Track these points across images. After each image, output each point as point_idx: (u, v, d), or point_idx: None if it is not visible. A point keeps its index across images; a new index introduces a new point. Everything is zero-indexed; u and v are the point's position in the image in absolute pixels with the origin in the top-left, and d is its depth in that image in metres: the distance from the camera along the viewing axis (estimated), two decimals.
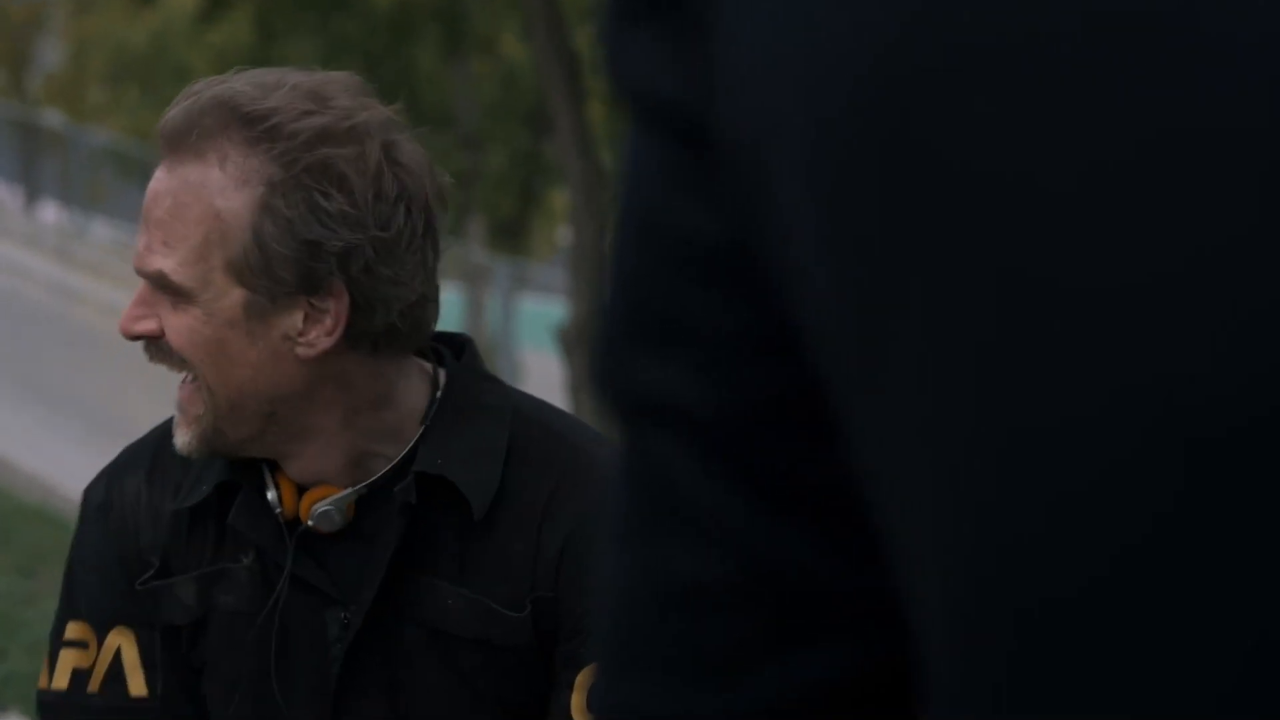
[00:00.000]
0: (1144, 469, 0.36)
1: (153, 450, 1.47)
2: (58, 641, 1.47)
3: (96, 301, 15.26)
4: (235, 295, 1.36)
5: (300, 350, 1.37)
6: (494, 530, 1.40)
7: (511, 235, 16.64)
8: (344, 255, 1.35)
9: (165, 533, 1.44)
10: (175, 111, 1.37)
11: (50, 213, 20.54)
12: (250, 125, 1.34)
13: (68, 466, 9.23)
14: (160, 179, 1.38)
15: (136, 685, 1.45)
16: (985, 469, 0.38)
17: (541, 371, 13.34)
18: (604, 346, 0.48)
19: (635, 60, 0.46)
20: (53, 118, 21.08)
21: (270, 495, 1.42)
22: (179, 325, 1.38)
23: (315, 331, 1.37)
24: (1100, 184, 0.36)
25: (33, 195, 21.46)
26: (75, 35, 21.36)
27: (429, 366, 1.45)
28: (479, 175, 15.98)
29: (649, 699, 0.48)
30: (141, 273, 1.39)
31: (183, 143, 1.36)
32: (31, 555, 6.34)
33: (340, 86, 1.37)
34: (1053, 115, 0.36)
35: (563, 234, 16.20)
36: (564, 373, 7.45)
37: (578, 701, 1.39)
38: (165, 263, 1.37)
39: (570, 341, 7.28)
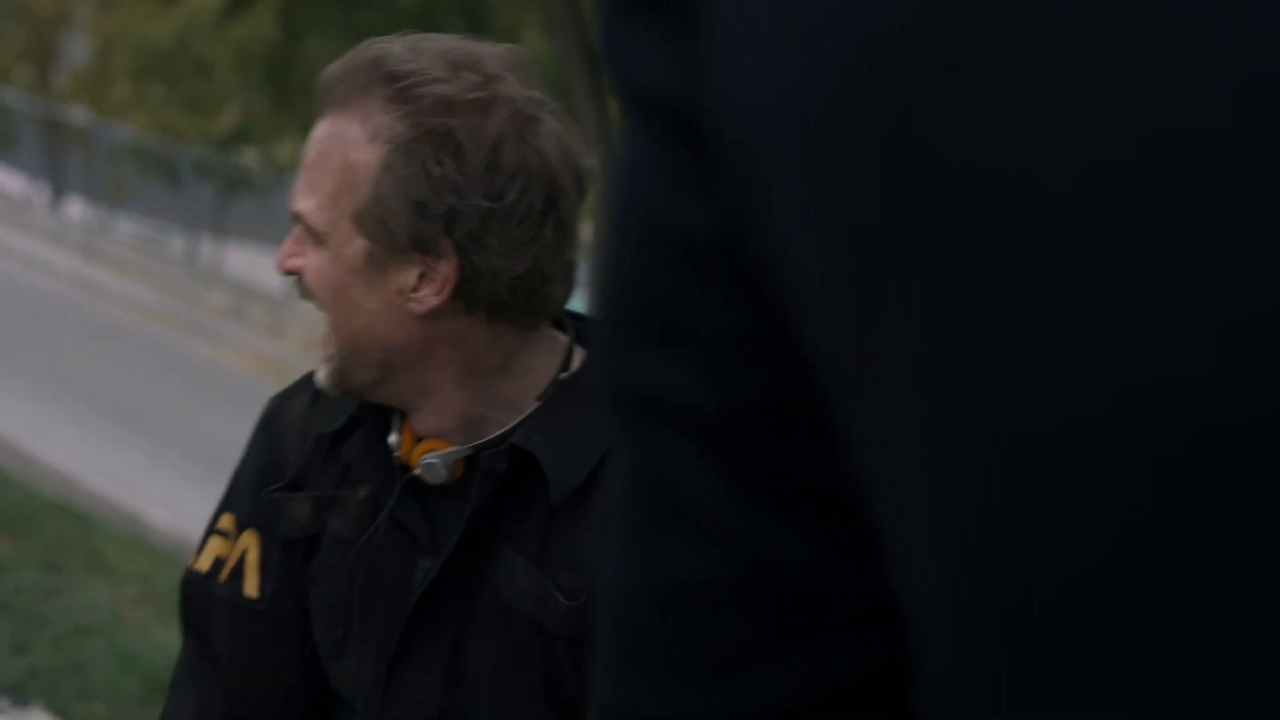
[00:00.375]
0: (1143, 467, 0.36)
1: None
2: (210, 528, 1.56)
3: (121, 297, 15.32)
4: (358, 244, 1.42)
5: (412, 305, 1.42)
6: (577, 519, 1.42)
7: None
8: (449, 219, 1.39)
9: (307, 453, 1.52)
10: (335, 66, 1.44)
11: (75, 209, 20.62)
12: (390, 83, 1.40)
13: (90, 461, 9.26)
14: (319, 128, 1.45)
15: (251, 586, 1.53)
16: (984, 467, 0.38)
17: None
18: (602, 345, 0.48)
19: (632, 56, 0.46)
20: (78, 114, 21.16)
21: (393, 439, 1.48)
22: (312, 265, 1.44)
23: (426, 290, 1.41)
24: (1100, 183, 0.36)
25: (58, 191, 21.54)
26: (100, 31, 21.42)
27: (565, 344, 1.47)
28: None
29: (649, 699, 0.48)
30: (290, 213, 1.47)
31: (333, 95, 1.42)
32: (54, 549, 6.37)
33: (488, 57, 1.40)
34: (1053, 114, 0.36)
35: (586, 230, 16.21)
36: None
37: None
38: (305, 205, 1.44)
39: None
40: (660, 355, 0.46)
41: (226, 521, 1.55)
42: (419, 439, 1.47)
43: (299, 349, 14.90)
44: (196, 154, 19.29)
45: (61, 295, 15.31)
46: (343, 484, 1.50)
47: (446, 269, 1.41)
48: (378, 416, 1.49)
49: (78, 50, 23.39)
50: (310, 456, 1.52)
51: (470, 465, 1.46)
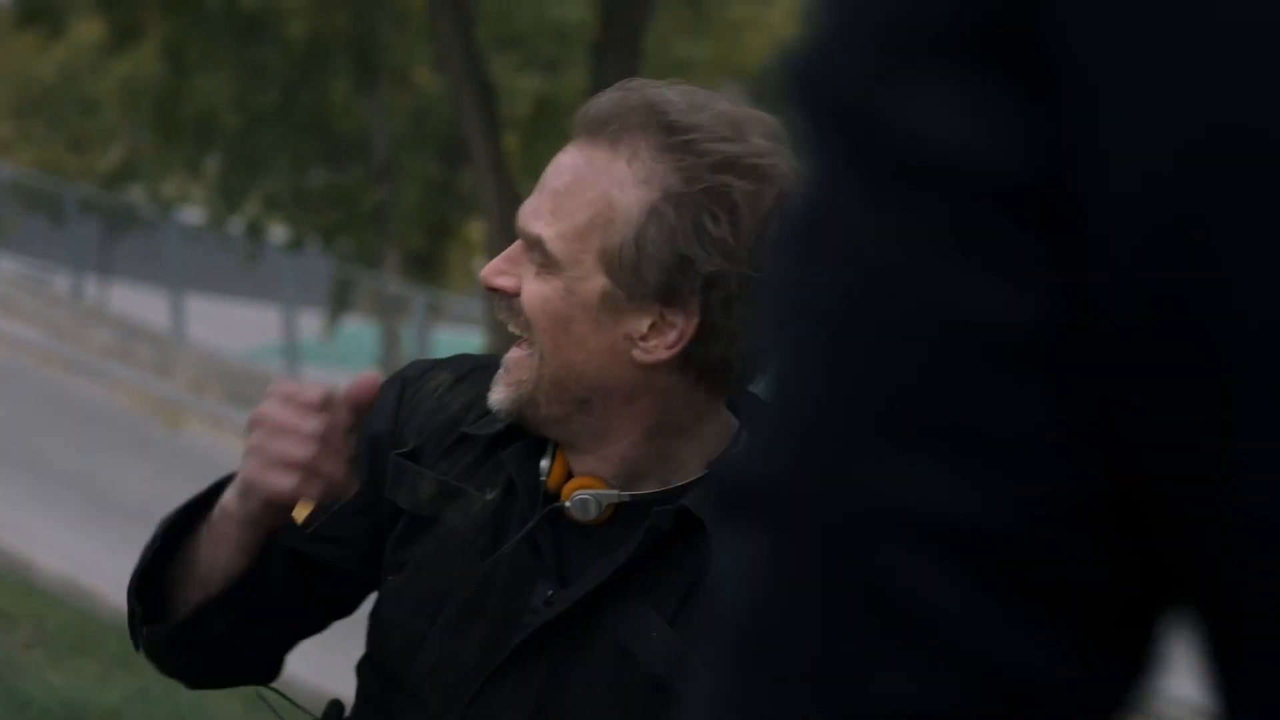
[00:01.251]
0: None
1: (474, 364, 1.53)
2: None
3: (5, 337, 15.04)
4: (597, 281, 1.41)
5: (636, 353, 1.41)
6: None
7: (426, 266, 16.60)
8: (710, 280, 1.39)
9: (437, 428, 1.49)
10: (603, 99, 1.43)
11: None
12: (669, 133, 1.40)
13: None
14: (570, 153, 1.44)
15: (300, 512, 1.48)
16: None
17: None
18: (803, 454, 0.43)
19: (934, 112, 0.41)
20: None
21: (544, 464, 1.46)
22: (537, 291, 1.42)
23: (656, 340, 1.41)
24: None
25: None
26: None
27: (735, 423, 1.48)
28: (393, 206, 15.93)
29: None
30: (522, 232, 1.43)
31: (603, 129, 1.42)
32: None
33: (760, 124, 1.42)
34: None
35: (479, 264, 16.17)
36: None
37: None
38: (547, 230, 1.41)
39: None
40: (913, 459, 0.42)
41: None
42: (570, 473, 1.46)
43: (187, 388, 14.71)
44: (81, 191, 19.02)
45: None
46: (470, 477, 1.48)
47: (685, 325, 1.40)
48: (538, 434, 1.48)
49: None
50: (438, 433, 1.49)
51: (620, 512, 1.45)
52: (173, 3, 14.56)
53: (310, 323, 16.63)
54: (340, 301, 16.78)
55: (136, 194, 19.27)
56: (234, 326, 17.45)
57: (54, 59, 18.65)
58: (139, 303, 17.19)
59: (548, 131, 14.45)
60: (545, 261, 1.41)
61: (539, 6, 14.99)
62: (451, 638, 1.46)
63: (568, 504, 1.44)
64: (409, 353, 15.80)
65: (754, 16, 15.52)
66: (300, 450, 1.40)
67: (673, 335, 1.41)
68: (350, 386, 1.45)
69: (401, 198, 15.96)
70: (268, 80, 15.74)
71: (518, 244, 1.44)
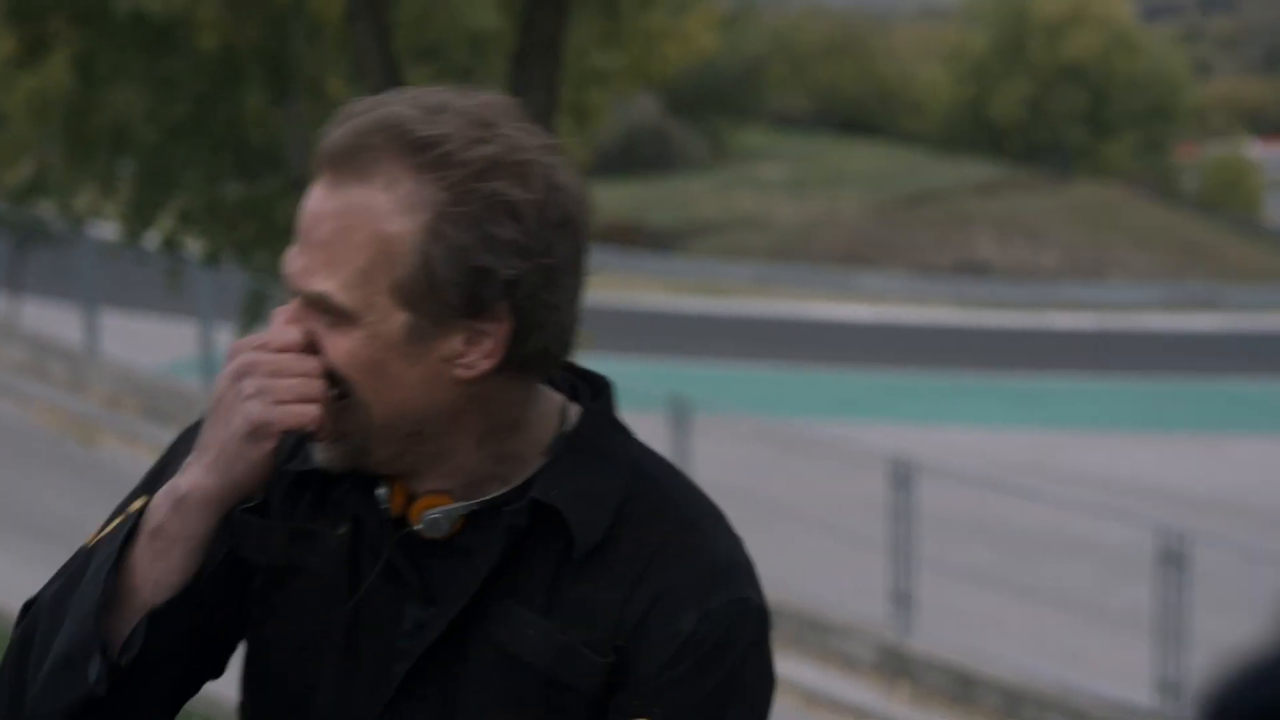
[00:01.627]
0: None
1: None
2: (118, 510, 1.48)
3: None
4: (398, 318, 1.36)
5: (458, 372, 1.38)
6: (588, 574, 1.40)
7: None
8: (513, 283, 1.36)
9: (274, 476, 1.44)
10: (337, 133, 1.37)
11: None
12: (420, 151, 1.35)
13: None
14: (321, 199, 1.37)
15: None
16: None
17: None
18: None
19: None
20: None
21: (382, 493, 1.43)
22: (339, 346, 1.38)
23: (474, 354, 1.38)
24: None
25: None
26: None
27: (559, 399, 1.46)
28: None
29: None
30: (299, 293, 1.39)
31: (347, 164, 1.36)
32: None
33: (501, 111, 1.38)
34: None
35: None
36: None
37: None
38: (328, 284, 1.37)
39: None
40: None
41: (140, 504, 1.46)
42: (412, 495, 1.43)
43: (101, 404, 14.53)
44: None
45: None
46: (317, 516, 1.45)
47: (498, 331, 1.38)
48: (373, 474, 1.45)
49: None
50: (278, 483, 1.46)
51: (471, 520, 1.43)
52: (82, 14, 14.38)
53: (227, 337, 16.47)
54: (254, 314, 16.63)
55: (47, 209, 19.02)
56: (149, 342, 17.27)
57: None
58: (51, 319, 16.97)
59: None
60: (337, 315, 1.37)
61: (455, 15, 14.94)
62: (337, 680, 1.43)
63: (419, 526, 1.42)
64: None
65: (670, 26, 15.54)
66: (311, 386, 1.38)
67: (489, 344, 1.38)
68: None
69: None
70: (180, 93, 15.59)
71: (295, 304, 1.39)
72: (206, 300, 15.96)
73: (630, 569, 1.40)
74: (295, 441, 1.45)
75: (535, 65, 6.71)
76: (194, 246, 17.42)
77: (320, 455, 1.41)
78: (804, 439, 16.36)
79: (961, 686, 10.68)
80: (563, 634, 1.40)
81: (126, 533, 1.43)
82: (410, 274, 1.35)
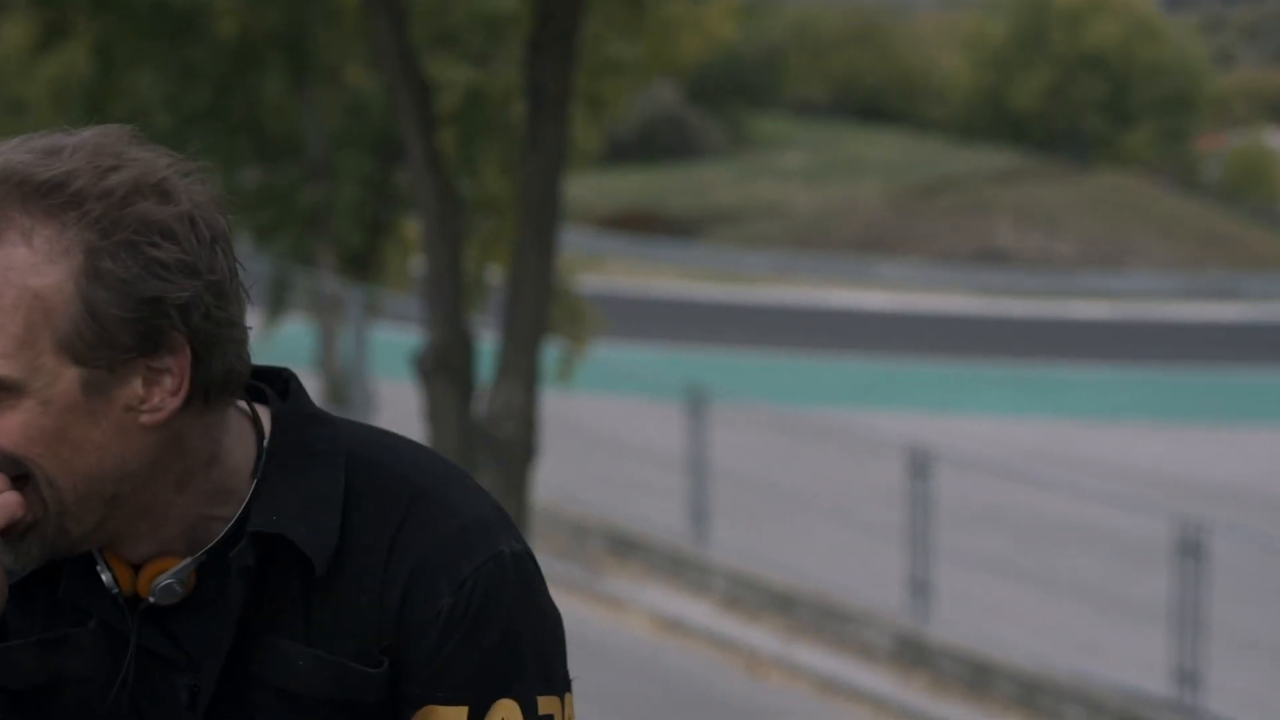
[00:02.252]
0: None
1: None
2: None
3: None
4: (70, 375, 1.28)
5: (145, 418, 1.30)
6: (337, 585, 1.35)
7: (363, 265, 16.51)
8: (186, 306, 1.29)
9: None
10: None
11: None
12: (49, 194, 1.27)
13: None
14: None
15: None
16: None
17: (396, 400, 13.25)
18: None
19: None
20: None
21: (106, 577, 1.36)
22: (9, 425, 1.28)
23: (158, 394, 1.30)
24: None
25: None
26: None
27: (250, 411, 1.39)
28: (329, 205, 15.82)
29: None
30: None
31: None
32: None
33: (120, 137, 1.31)
34: None
35: (416, 262, 16.09)
36: (421, 401, 7.40)
37: None
38: None
39: (427, 368, 7.24)
40: None
41: None
42: (136, 565, 1.35)
43: None
44: None
45: None
46: (58, 620, 1.38)
47: (177, 363, 1.30)
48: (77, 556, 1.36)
49: None
50: (11, 604, 1.37)
51: (203, 570, 1.35)
52: (102, 1, 14.42)
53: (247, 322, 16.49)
54: (278, 301, 16.67)
55: None
56: None
57: None
58: None
59: (479, 127, 14.39)
60: (2, 391, 1.27)
61: (473, 0, 14.91)
62: None
63: (152, 599, 1.35)
64: (346, 351, 15.73)
65: (688, 16, 15.50)
66: None
67: (171, 381, 1.30)
68: None
69: (337, 196, 15.87)
70: (199, 79, 15.61)
71: None
72: None
73: (374, 565, 1.35)
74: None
75: (550, 55, 6.72)
76: None
77: (12, 558, 1.31)
78: (821, 427, 16.36)
79: (978, 675, 10.69)
80: (329, 655, 1.35)
81: None
82: (73, 325, 1.26)
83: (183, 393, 1.30)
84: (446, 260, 7.14)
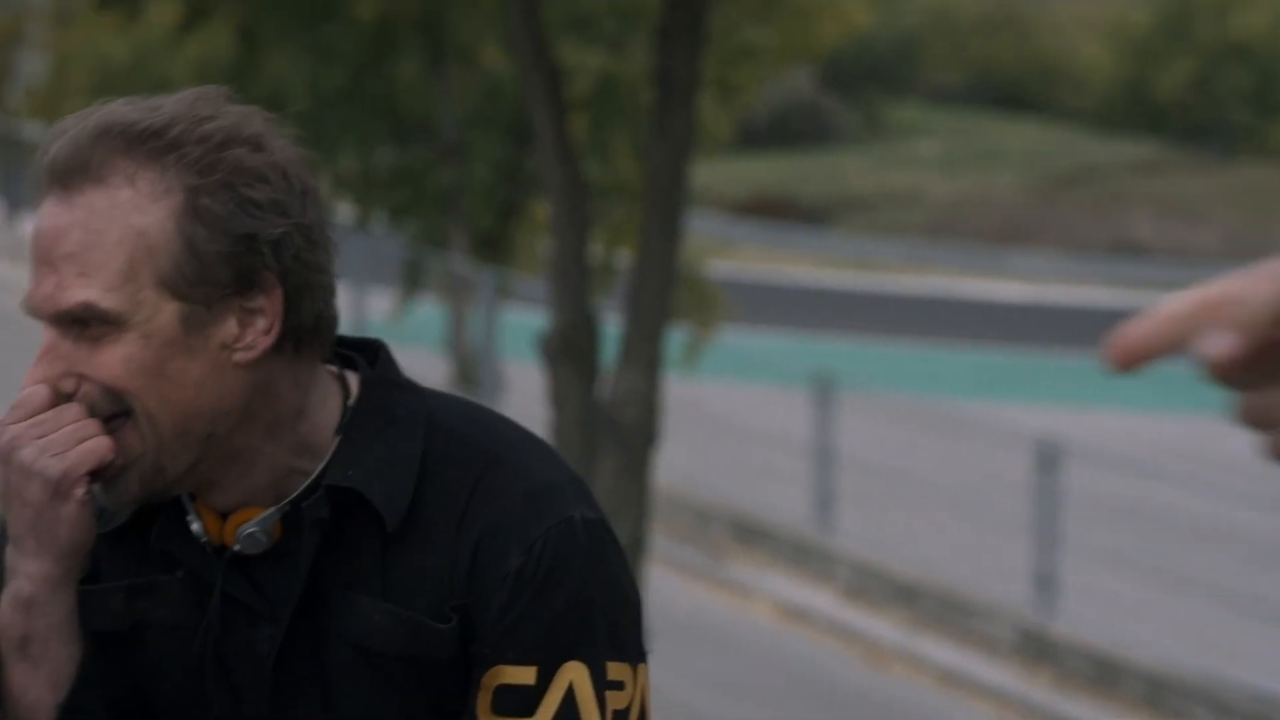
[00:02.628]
0: None
1: None
2: None
3: None
4: (170, 310, 1.34)
5: (239, 356, 1.36)
6: (412, 544, 1.39)
7: (494, 247, 16.64)
8: (278, 244, 1.35)
9: (99, 544, 1.42)
10: (59, 146, 1.35)
11: (31, 225, 20.44)
12: (150, 140, 1.34)
13: None
14: (56, 215, 1.35)
15: None
16: None
17: (524, 383, 13.35)
18: None
19: None
20: (33, 131, 21.01)
21: (195, 526, 1.41)
22: (111, 359, 1.34)
23: (251, 333, 1.36)
24: None
25: (13, 208, 21.38)
26: (56, 49, 21.28)
27: (338, 375, 1.44)
28: (461, 187, 15.96)
29: None
30: (55, 314, 1.34)
31: (78, 173, 1.34)
32: None
33: (217, 96, 1.39)
34: None
35: (547, 246, 16.18)
36: (545, 384, 7.44)
37: (483, 701, 1.39)
38: (89, 292, 1.33)
39: (552, 352, 7.28)
40: None
41: None
42: (224, 515, 1.40)
43: None
44: None
45: (17, 312, 15.17)
46: (149, 568, 1.43)
47: (270, 304, 1.36)
48: (171, 503, 1.41)
49: (33, 68, 23.23)
50: (98, 551, 1.42)
51: (288, 522, 1.40)
52: None
53: (379, 302, 16.72)
54: (411, 281, 16.84)
55: None
56: None
57: (128, 40, 18.79)
58: None
59: (611, 113, 14.42)
60: (104, 324, 1.33)
61: None
62: (224, 717, 1.42)
63: (238, 547, 1.40)
64: (476, 333, 15.86)
65: (824, 2, 15.39)
66: (84, 427, 1.34)
67: (264, 321, 1.36)
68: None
69: (470, 178, 16.00)
70: (337, 61, 15.79)
71: (46, 340, 1.35)
72: (359, 265, 16.20)
73: (448, 525, 1.39)
74: (100, 507, 1.41)
75: (679, 41, 6.71)
76: (346, 212, 17.70)
77: (111, 498, 1.36)
78: (949, 418, 16.21)
79: (1103, 672, 10.54)
80: (405, 611, 1.38)
81: None
82: (174, 261, 1.33)
83: (274, 332, 1.36)
84: (573, 244, 7.17)
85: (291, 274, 1.36)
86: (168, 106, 1.36)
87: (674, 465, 11.79)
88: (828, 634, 11.05)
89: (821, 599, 11.52)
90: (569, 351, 7.11)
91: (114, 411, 1.35)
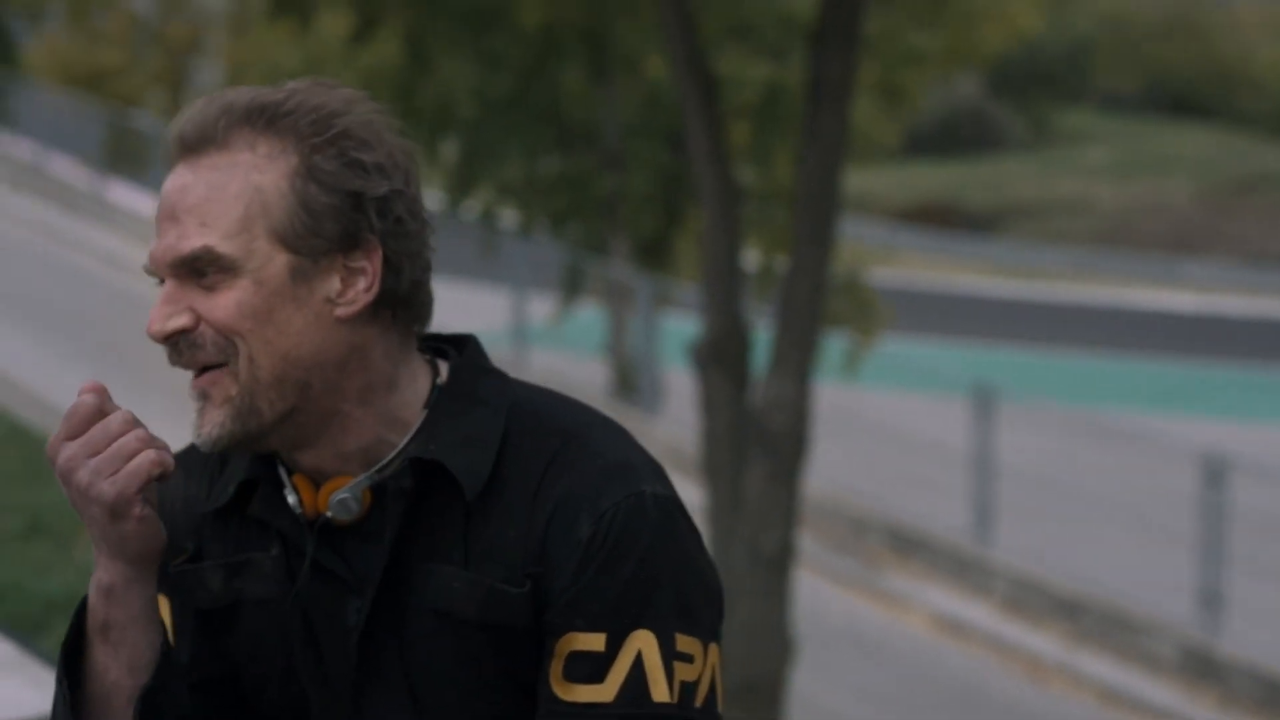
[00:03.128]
0: None
1: (189, 453, 1.55)
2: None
3: None
4: (280, 260, 1.42)
5: (340, 310, 1.43)
6: (491, 516, 1.45)
7: (655, 253, 16.69)
8: (382, 204, 1.43)
9: (197, 524, 1.52)
10: (188, 121, 1.46)
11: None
12: (268, 111, 1.44)
13: None
14: (182, 176, 1.45)
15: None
16: None
17: (683, 390, 13.37)
18: None
19: None
20: None
21: (291, 499, 1.48)
22: (225, 301, 1.42)
23: (352, 290, 1.44)
24: None
25: None
26: (232, 58, 21.80)
27: (431, 360, 1.51)
28: (622, 193, 16.04)
29: None
30: (177, 259, 1.43)
31: (203, 142, 1.45)
32: None
33: (331, 84, 1.49)
34: None
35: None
36: (696, 391, 7.45)
37: (555, 668, 1.43)
38: (209, 238, 1.42)
39: (703, 358, 7.29)
40: None
41: (73, 620, 1.50)
42: (318, 486, 1.47)
43: None
44: None
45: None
46: (247, 546, 1.50)
47: (371, 263, 1.44)
48: (267, 476, 1.49)
49: (209, 76, 23.82)
50: (202, 526, 1.52)
51: (377, 493, 1.46)
52: None
53: (539, 307, 16.85)
54: (571, 287, 16.96)
55: None
56: (466, 310, 17.79)
57: (301, 49, 19.18)
58: None
59: (775, 120, 14.39)
60: (220, 270, 1.42)
61: None
62: (316, 689, 1.48)
63: (330, 514, 1.46)
64: (635, 339, 15.92)
65: (991, 6, 15.20)
66: (128, 444, 1.41)
67: (364, 279, 1.43)
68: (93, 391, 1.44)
69: (632, 185, 16.07)
70: (503, 69, 15.97)
71: (169, 285, 1.43)
72: (520, 270, 16.35)
73: (524, 497, 1.44)
74: (209, 481, 1.51)
75: (833, 47, 6.68)
76: (509, 218, 17.88)
77: (205, 430, 1.43)
78: (1114, 430, 15.91)
79: (1271, 693, 10.26)
80: (482, 579, 1.43)
81: (70, 645, 1.47)
82: (287, 214, 1.42)
83: (374, 291, 1.44)
84: (725, 250, 7.17)
85: (392, 238, 1.44)
86: (286, 88, 1.46)
87: (831, 473, 11.72)
88: (984, 647, 10.91)
89: (979, 612, 11.37)
90: (719, 357, 7.11)
91: (218, 360, 1.43)
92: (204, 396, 1.44)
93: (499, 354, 15.98)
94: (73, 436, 1.42)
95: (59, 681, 1.47)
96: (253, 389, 1.43)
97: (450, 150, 17.57)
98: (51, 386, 11.92)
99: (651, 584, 1.42)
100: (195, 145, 1.44)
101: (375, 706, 1.46)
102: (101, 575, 1.46)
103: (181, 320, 1.43)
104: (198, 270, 1.43)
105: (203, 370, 1.44)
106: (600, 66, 16.14)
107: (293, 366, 1.43)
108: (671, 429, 13.70)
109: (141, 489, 1.42)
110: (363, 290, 1.44)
